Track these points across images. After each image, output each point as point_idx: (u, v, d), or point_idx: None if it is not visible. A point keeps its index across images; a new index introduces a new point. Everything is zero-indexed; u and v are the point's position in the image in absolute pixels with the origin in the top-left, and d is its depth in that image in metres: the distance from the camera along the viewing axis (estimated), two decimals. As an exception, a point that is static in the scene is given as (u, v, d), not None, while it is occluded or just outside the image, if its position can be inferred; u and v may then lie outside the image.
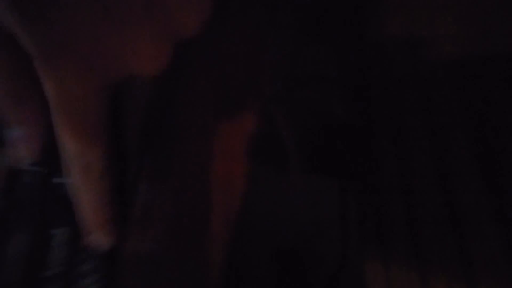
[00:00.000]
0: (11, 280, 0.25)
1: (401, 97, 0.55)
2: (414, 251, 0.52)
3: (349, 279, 0.55)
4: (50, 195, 0.29)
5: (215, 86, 0.32)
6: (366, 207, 0.56)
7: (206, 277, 0.29)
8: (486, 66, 0.53)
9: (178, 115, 0.30)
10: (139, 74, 0.22)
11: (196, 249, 0.28)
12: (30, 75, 0.21)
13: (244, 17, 0.34)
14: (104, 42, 0.20)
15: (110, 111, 0.23)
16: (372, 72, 0.55)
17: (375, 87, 0.55)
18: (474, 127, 0.52)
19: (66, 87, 0.20)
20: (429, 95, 0.55)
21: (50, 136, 0.23)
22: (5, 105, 0.23)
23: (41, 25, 0.18)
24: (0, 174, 0.28)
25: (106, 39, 0.20)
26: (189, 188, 0.30)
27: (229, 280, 0.34)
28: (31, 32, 0.19)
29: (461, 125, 0.52)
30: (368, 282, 0.54)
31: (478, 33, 0.54)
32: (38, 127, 0.24)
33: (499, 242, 0.46)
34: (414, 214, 0.52)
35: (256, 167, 0.38)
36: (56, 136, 0.22)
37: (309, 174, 0.59)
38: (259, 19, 0.36)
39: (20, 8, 0.18)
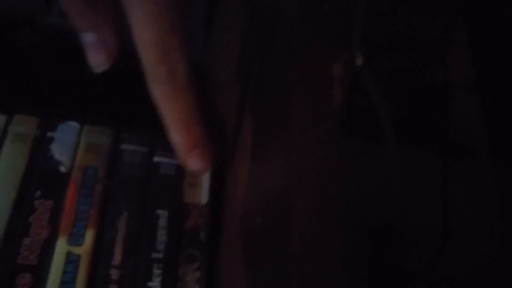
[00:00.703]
0: (122, 260, 0.26)
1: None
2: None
3: (451, 257, 0.52)
4: (153, 175, 0.29)
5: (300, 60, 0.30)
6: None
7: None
8: None
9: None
10: None
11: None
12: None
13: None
14: None
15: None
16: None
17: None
18: None
19: None
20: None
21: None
22: (79, 9, 0.23)
23: None
24: (104, 154, 0.29)
25: None
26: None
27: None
28: None
29: None
30: (473, 257, 0.51)
31: None
32: (112, 31, 0.24)
33: None
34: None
35: (348, 140, 0.36)
36: (137, 43, 0.22)
37: (406, 146, 0.56)
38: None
39: None
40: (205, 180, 0.30)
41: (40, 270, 0.25)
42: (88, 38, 0.24)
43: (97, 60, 0.24)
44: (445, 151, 0.53)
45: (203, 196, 0.29)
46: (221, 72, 0.34)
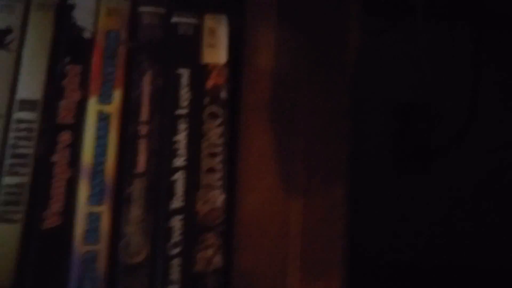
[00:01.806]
0: (149, 117, 0.28)
1: None
2: None
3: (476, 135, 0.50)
4: (171, 35, 0.29)
5: None
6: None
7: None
8: None
9: None
10: None
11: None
12: None
13: None
14: None
15: None
16: None
17: None
18: None
19: None
20: None
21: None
22: None
23: None
24: (124, 17, 0.29)
25: None
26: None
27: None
28: None
29: None
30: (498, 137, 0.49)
31: None
32: None
33: None
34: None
35: (374, 18, 0.34)
36: None
37: (435, 19, 0.51)
38: None
39: None
40: (224, 40, 0.30)
41: (77, 128, 0.27)
42: None
43: None
44: (479, 20, 0.49)
45: (222, 55, 0.29)
46: None
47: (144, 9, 0.29)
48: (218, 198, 0.27)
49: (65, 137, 0.27)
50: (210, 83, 0.29)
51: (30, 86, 0.28)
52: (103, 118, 0.27)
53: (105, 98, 0.28)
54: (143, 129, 0.28)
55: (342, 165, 0.28)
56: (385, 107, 0.53)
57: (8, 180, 0.26)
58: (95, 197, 0.26)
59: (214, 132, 0.28)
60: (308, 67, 0.29)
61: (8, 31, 0.28)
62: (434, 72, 0.50)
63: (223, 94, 0.29)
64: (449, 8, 0.50)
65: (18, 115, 0.27)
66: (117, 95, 0.28)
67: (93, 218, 0.26)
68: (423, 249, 0.50)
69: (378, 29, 0.48)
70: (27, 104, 0.27)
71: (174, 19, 0.29)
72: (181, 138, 0.28)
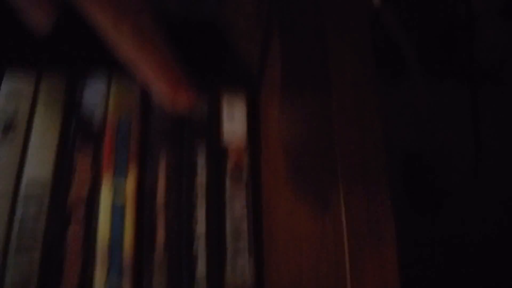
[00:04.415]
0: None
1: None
2: None
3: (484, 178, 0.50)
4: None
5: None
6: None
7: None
8: None
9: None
10: None
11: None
12: None
13: None
14: None
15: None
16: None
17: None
18: None
19: None
20: None
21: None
22: None
23: None
24: (135, 98, 0.29)
25: None
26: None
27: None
28: None
29: None
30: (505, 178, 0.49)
31: None
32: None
33: None
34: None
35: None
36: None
37: (432, 77, 0.53)
38: None
39: None
40: (242, 117, 0.29)
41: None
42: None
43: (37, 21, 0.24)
44: (474, 79, 0.50)
45: (241, 134, 0.29)
46: (240, 19, 0.33)
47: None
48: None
49: (78, 213, 0.26)
50: (230, 163, 0.28)
51: (40, 165, 0.27)
52: (118, 210, 0.26)
53: (118, 184, 0.27)
54: (160, 213, 0.27)
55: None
56: (393, 157, 0.54)
57: (16, 259, 0.24)
58: (113, 278, 0.25)
59: (238, 215, 0.27)
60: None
61: (13, 119, 0.28)
62: (435, 126, 0.51)
63: (244, 175, 0.28)
64: (445, 66, 0.52)
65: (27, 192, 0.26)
66: (131, 179, 0.27)
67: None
68: None
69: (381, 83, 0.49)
70: (36, 183, 0.27)
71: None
72: (202, 224, 0.26)
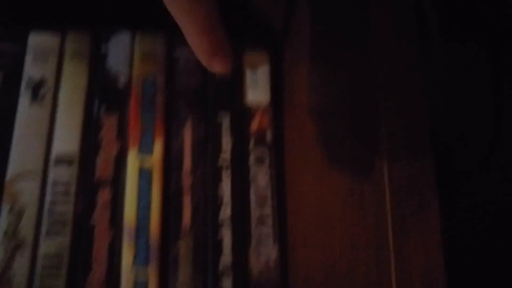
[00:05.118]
0: (192, 168, 0.26)
1: None
2: None
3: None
4: (210, 78, 0.27)
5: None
6: None
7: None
8: None
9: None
10: None
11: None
12: None
13: None
14: None
15: None
16: None
17: None
18: None
19: None
20: None
21: None
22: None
23: None
24: (160, 63, 0.27)
25: None
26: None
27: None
28: None
29: None
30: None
31: None
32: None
33: None
34: None
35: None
36: None
37: (453, 41, 0.49)
38: None
39: None
40: (266, 78, 0.28)
41: (117, 185, 0.26)
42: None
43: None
44: (498, 42, 0.45)
45: (265, 95, 0.27)
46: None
47: (180, 52, 0.28)
48: (272, 251, 0.25)
49: (104, 195, 0.25)
50: (254, 126, 0.27)
51: (66, 139, 0.26)
52: (144, 174, 0.26)
53: (145, 149, 0.26)
54: (187, 181, 0.26)
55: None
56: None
57: (47, 245, 0.24)
58: (140, 260, 0.24)
59: (262, 179, 0.26)
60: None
61: (41, 83, 0.27)
62: (454, 94, 0.48)
63: (269, 137, 0.27)
64: (466, 30, 0.47)
65: (55, 170, 0.26)
66: (157, 145, 0.26)
67: (140, 284, 0.24)
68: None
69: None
70: (64, 159, 0.26)
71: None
72: (227, 188, 0.26)
